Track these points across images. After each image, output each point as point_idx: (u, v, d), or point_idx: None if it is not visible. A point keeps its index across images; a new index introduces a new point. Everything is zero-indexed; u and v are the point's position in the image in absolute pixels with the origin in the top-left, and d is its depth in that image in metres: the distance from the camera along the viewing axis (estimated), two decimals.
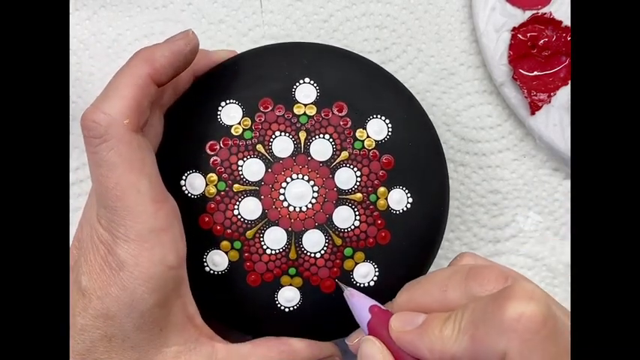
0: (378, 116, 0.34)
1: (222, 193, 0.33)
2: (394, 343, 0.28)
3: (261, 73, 0.34)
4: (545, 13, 0.38)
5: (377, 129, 0.34)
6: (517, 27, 0.38)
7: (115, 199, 0.28)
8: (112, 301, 0.28)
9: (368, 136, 0.33)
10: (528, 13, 0.38)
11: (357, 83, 0.34)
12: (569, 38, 0.38)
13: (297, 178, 0.33)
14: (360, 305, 0.30)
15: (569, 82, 0.38)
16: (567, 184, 0.39)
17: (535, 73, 0.38)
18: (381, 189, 0.33)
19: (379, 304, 0.30)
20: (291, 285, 0.33)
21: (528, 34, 0.38)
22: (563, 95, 0.38)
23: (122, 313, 0.28)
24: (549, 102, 0.38)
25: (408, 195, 0.33)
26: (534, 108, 0.38)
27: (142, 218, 0.28)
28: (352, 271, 0.33)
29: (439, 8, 0.40)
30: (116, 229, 0.28)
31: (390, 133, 0.34)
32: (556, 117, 0.38)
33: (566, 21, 0.38)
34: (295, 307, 0.33)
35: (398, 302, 0.30)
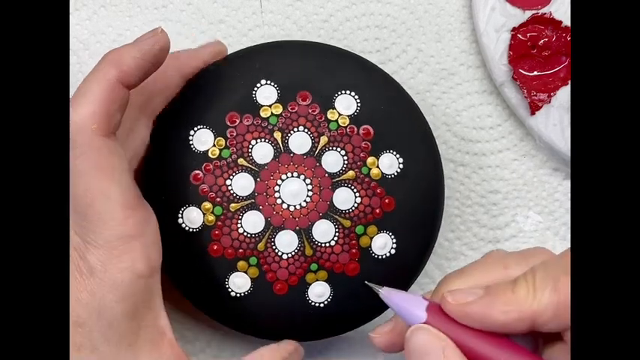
0: (343, 92, 0.34)
1: (222, 217, 0.33)
2: (452, 329, 0.27)
3: (220, 89, 0.34)
4: (545, 13, 0.38)
5: (345, 104, 0.34)
6: (517, 27, 0.38)
7: (85, 206, 0.28)
8: (81, 308, 0.28)
9: (340, 115, 0.33)
10: (528, 13, 0.38)
11: (313, 68, 0.34)
12: (569, 38, 0.38)
13: (287, 177, 0.33)
14: (403, 301, 0.29)
15: (569, 82, 0.38)
16: (567, 184, 0.39)
17: (535, 73, 0.38)
18: (370, 159, 0.33)
19: (423, 295, 0.29)
20: (317, 280, 0.33)
21: (528, 34, 0.38)
22: (563, 95, 0.38)
23: (91, 321, 0.28)
24: (549, 102, 0.38)
25: (397, 156, 0.34)
26: (534, 108, 0.38)
27: (111, 225, 0.28)
28: (370, 246, 0.33)
29: (439, 8, 0.40)
30: (87, 235, 0.28)
31: (359, 105, 0.34)
32: (556, 117, 0.38)
33: (566, 21, 0.38)
34: (328, 301, 0.33)
35: (450, 286, 0.28)
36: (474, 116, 0.40)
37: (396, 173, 0.33)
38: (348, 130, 0.33)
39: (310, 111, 0.34)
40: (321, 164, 0.33)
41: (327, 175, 0.33)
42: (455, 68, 0.40)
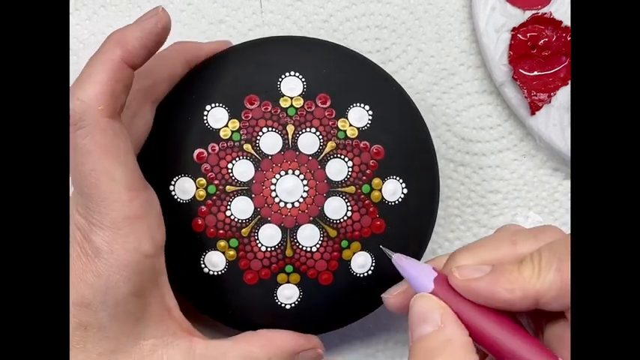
0: (359, 104, 0.34)
1: (214, 197, 0.33)
2: (455, 302, 0.27)
3: (246, 70, 0.34)
4: (545, 13, 0.38)
5: (357, 116, 0.34)
6: (517, 27, 0.38)
7: (90, 186, 0.28)
8: (86, 288, 0.28)
9: (350, 125, 0.33)
10: (528, 13, 0.38)
11: (340, 74, 0.34)
12: (569, 38, 0.38)
13: (287, 174, 0.33)
14: (413, 269, 0.29)
15: (569, 82, 0.38)
16: (567, 184, 0.39)
17: (535, 73, 0.38)
18: (376, 180, 0.33)
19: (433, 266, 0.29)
20: (288, 282, 0.33)
21: (528, 34, 0.38)
22: (563, 95, 0.38)
23: (97, 301, 0.28)
24: (549, 102, 0.38)
25: (403, 185, 0.33)
26: (534, 108, 0.38)
27: (116, 206, 0.28)
28: (350, 261, 0.33)
29: (439, 8, 0.40)
30: (91, 216, 0.28)
31: (370, 120, 0.34)
32: (556, 117, 0.38)
33: (566, 21, 0.38)
34: (297, 303, 0.33)
35: (458, 261, 0.29)
36: (474, 116, 0.40)
37: (396, 202, 0.33)
38: (355, 142, 0.33)
39: (326, 114, 0.34)
40: (324, 169, 0.33)
41: (326, 181, 0.33)
42: (455, 68, 0.40)
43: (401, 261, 0.30)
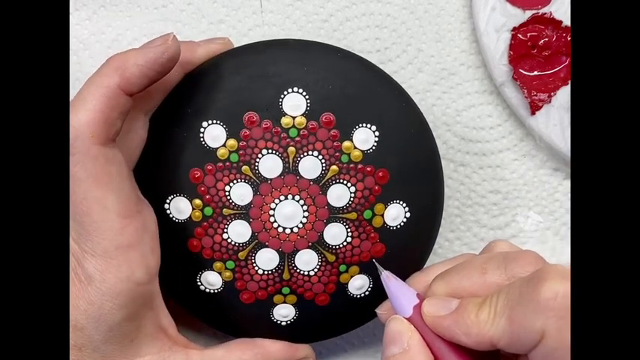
0: (365, 124, 0.32)
1: (210, 218, 0.32)
2: (429, 331, 0.28)
3: (246, 82, 0.32)
4: (545, 13, 0.38)
5: (363, 138, 0.32)
6: (517, 27, 0.38)
7: (82, 214, 0.28)
8: (80, 314, 0.28)
9: (355, 147, 0.32)
10: (528, 13, 0.38)
11: (347, 89, 0.32)
12: (569, 38, 0.38)
13: (287, 199, 0.32)
14: (398, 291, 0.30)
15: (569, 82, 0.38)
16: (567, 184, 0.39)
17: (535, 73, 0.38)
18: (378, 205, 0.32)
19: (417, 292, 0.30)
20: (285, 302, 0.33)
21: (528, 34, 0.38)
22: (563, 95, 0.38)
23: (90, 326, 0.28)
24: (549, 102, 0.38)
25: (406, 210, 0.33)
26: (534, 108, 0.38)
27: (108, 235, 0.28)
28: (347, 284, 0.33)
29: (439, 8, 0.40)
30: (84, 243, 0.28)
31: (376, 142, 0.32)
32: (556, 117, 0.38)
33: (566, 21, 0.38)
34: (292, 320, 0.33)
35: (433, 289, 0.29)
36: (474, 116, 0.40)
37: (398, 226, 0.33)
38: (359, 167, 0.32)
39: (331, 136, 0.32)
40: (325, 194, 0.32)
41: (327, 207, 0.32)
42: (455, 68, 0.40)
43: (389, 280, 0.30)
